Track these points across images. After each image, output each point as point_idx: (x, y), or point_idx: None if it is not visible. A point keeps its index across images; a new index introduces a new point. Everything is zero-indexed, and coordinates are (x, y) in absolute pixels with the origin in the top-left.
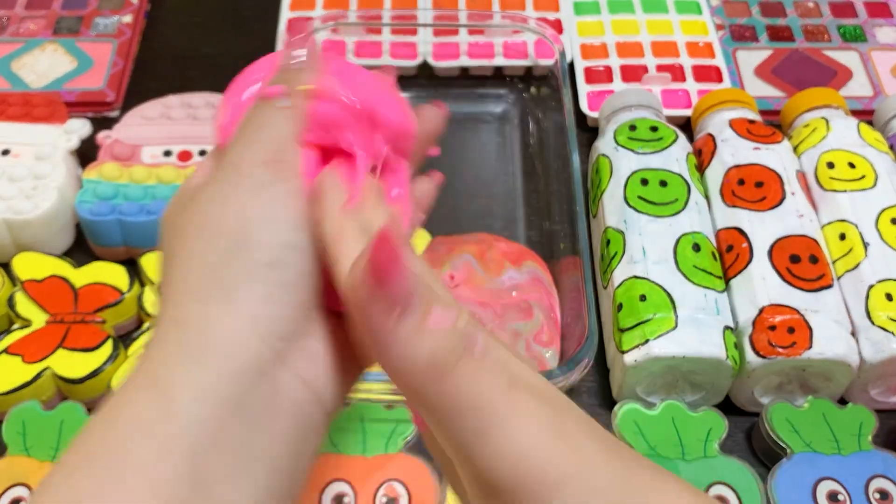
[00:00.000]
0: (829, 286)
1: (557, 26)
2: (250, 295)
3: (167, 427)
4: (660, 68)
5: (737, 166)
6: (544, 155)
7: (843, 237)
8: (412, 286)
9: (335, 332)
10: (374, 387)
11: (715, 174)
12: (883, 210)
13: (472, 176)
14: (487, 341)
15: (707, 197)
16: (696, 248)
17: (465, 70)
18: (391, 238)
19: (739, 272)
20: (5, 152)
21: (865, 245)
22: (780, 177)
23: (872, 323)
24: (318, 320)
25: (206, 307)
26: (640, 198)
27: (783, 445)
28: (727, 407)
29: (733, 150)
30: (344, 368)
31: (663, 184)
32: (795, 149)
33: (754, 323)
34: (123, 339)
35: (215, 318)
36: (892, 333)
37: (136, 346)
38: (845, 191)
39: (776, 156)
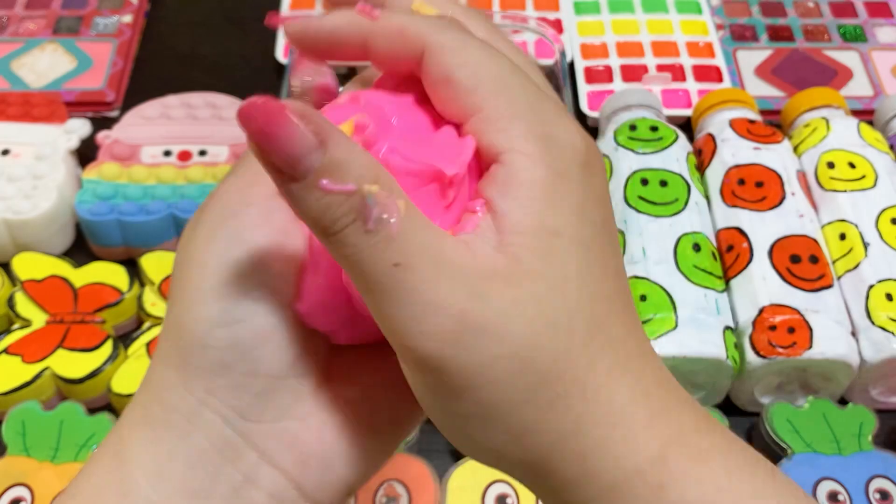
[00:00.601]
0: (830, 286)
1: (557, 26)
2: (201, 363)
3: None
4: (660, 68)
5: (737, 166)
6: None
7: (843, 237)
8: (301, 151)
9: (330, 410)
10: None
11: (715, 174)
12: (883, 210)
13: None
14: (382, 220)
15: (707, 197)
16: (697, 248)
17: None
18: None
19: (740, 272)
20: (5, 152)
21: (866, 245)
22: (780, 177)
23: (873, 323)
24: (299, 394)
25: (167, 370)
26: (640, 198)
27: (783, 445)
28: (727, 407)
29: (733, 150)
30: (343, 455)
31: (663, 184)
32: (796, 149)
33: (754, 323)
34: (123, 339)
35: (171, 386)
36: (893, 333)
37: (136, 346)
38: (845, 191)
39: (776, 156)
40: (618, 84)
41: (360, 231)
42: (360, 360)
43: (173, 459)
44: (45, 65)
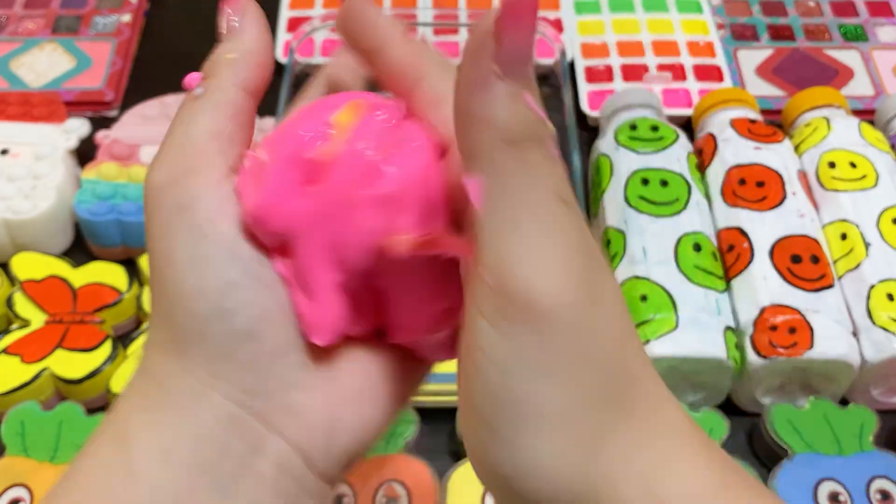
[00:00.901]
0: (831, 286)
1: (558, 25)
2: (201, 350)
3: (131, 493)
4: (661, 67)
5: (738, 166)
6: None
7: (844, 237)
8: (527, 57)
9: (333, 380)
10: None
11: (716, 174)
12: (884, 210)
13: None
14: (559, 160)
15: (708, 197)
16: (697, 248)
17: None
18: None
19: (740, 272)
20: (4, 152)
21: (867, 245)
22: (781, 176)
23: (874, 323)
24: (304, 368)
25: (165, 358)
26: (640, 198)
27: (784, 446)
28: (728, 407)
29: (734, 150)
30: (347, 424)
31: (664, 183)
32: (796, 148)
33: (755, 323)
34: (122, 339)
35: (171, 372)
36: (894, 333)
37: (136, 346)
38: (846, 190)
39: (777, 155)
40: (618, 83)
41: (541, 152)
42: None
43: (178, 438)
44: (44, 64)
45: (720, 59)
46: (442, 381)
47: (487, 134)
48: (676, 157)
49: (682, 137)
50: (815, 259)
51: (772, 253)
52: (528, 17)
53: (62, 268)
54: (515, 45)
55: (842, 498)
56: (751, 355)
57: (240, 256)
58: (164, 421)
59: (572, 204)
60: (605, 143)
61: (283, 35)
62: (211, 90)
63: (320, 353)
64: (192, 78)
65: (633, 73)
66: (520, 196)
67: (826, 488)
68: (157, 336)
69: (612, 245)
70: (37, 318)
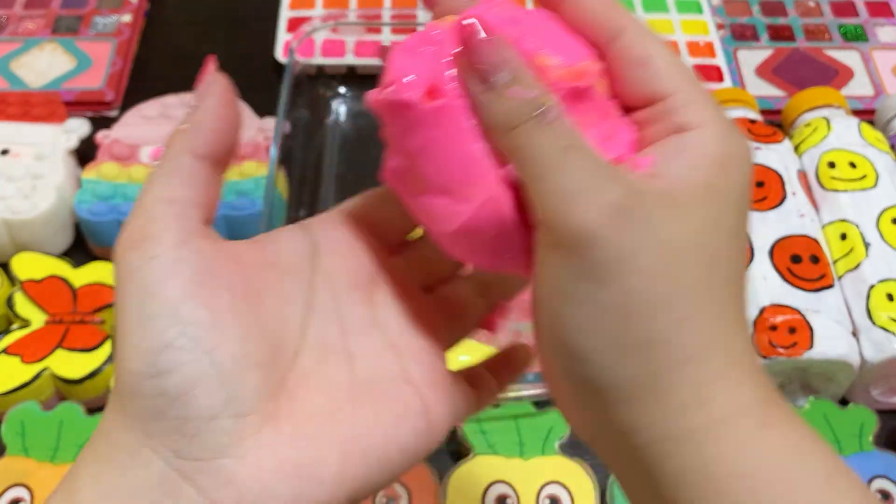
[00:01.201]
0: (830, 286)
1: None
2: (135, 407)
3: None
4: None
5: None
6: None
7: (844, 237)
8: (497, 67)
9: (268, 448)
10: None
11: None
12: (884, 210)
13: None
14: (562, 117)
15: None
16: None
17: None
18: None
19: None
20: (4, 152)
21: (866, 245)
22: (781, 176)
23: (873, 323)
24: (234, 433)
25: (112, 413)
26: None
27: None
28: None
29: None
30: (279, 494)
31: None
32: (796, 148)
33: (755, 323)
34: None
35: (114, 427)
36: (894, 333)
37: None
38: (846, 190)
39: (777, 155)
40: None
41: (537, 126)
42: (303, 396)
43: (114, 492)
44: (44, 64)
45: (720, 60)
46: None
47: (495, 130)
48: None
49: None
50: (815, 259)
51: (772, 253)
52: (480, 45)
53: (62, 268)
54: (486, 63)
55: None
56: None
57: (181, 318)
58: (104, 473)
59: (576, 148)
60: None
61: (283, 35)
62: (163, 160)
63: (257, 420)
64: (155, 152)
65: None
66: (531, 161)
67: None
68: (112, 392)
69: None
70: (37, 318)
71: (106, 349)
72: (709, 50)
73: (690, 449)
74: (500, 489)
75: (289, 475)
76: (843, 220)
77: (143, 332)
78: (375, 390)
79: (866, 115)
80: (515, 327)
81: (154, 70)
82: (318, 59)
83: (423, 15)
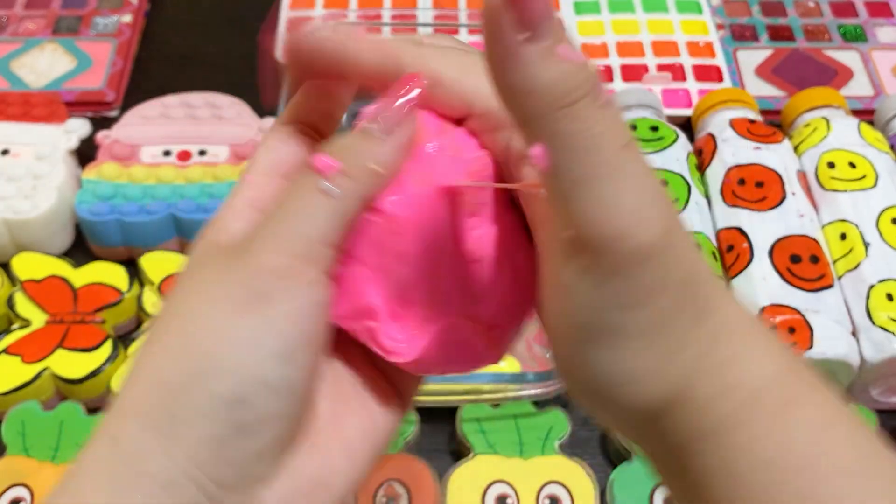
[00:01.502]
0: (830, 286)
1: None
2: (194, 433)
3: None
4: (660, 68)
5: (737, 166)
6: None
7: (843, 237)
8: (546, 12)
9: (295, 479)
10: None
11: (715, 174)
12: (884, 210)
13: None
14: (612, 100)
15: (707, 197)
16: (697, 247)
17: None
18: None
19: (740, 272)
20: (5, 152)
21: (866, 245)
22: (780, 176)
23: (873, 323)
24: (275, 464)
25: (145, 435)
26: None
27: None
28: None
29: (734, 150)
30: None
31: (663, 183)
32: (796, 148)
33: None
34: (123, 339)
35: (149, 451)
36: (893, 333)
37: (136, 346)
38: (846, 191)
39: (777, 155)
40: (618, 84)
41: (594, 104)
42: (327, 432)
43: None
44: (44, 65)
45: (720, 60)
46: (442, 382)
47: (535, 103)
48: (676, 157)
49: (682, 138)
50: (815, 259)
51: (771, 253)
52: None
53: (63, 268)
54: (531, 4)
55: None
56: None
57: (300, 358)
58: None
59: (632, 146)
60: None
61: (283, 35)
62: (343, 198)
63: (292, 452)
64: (325, 163)
65: (633, 73)
66: (586, 156)
67: None
68: (141, 405)
69: None
70: (37, 318)
71: (106, 349)
72: (708, 50)
73: (712, 445)
74: (500, 489)
75: (307, 494)
76: (843, 220)
77: (243, 361)
78: (355, 386)
79: (866, 115)
80: None
81: (154, 70)
82: None
83: (423, 14)
